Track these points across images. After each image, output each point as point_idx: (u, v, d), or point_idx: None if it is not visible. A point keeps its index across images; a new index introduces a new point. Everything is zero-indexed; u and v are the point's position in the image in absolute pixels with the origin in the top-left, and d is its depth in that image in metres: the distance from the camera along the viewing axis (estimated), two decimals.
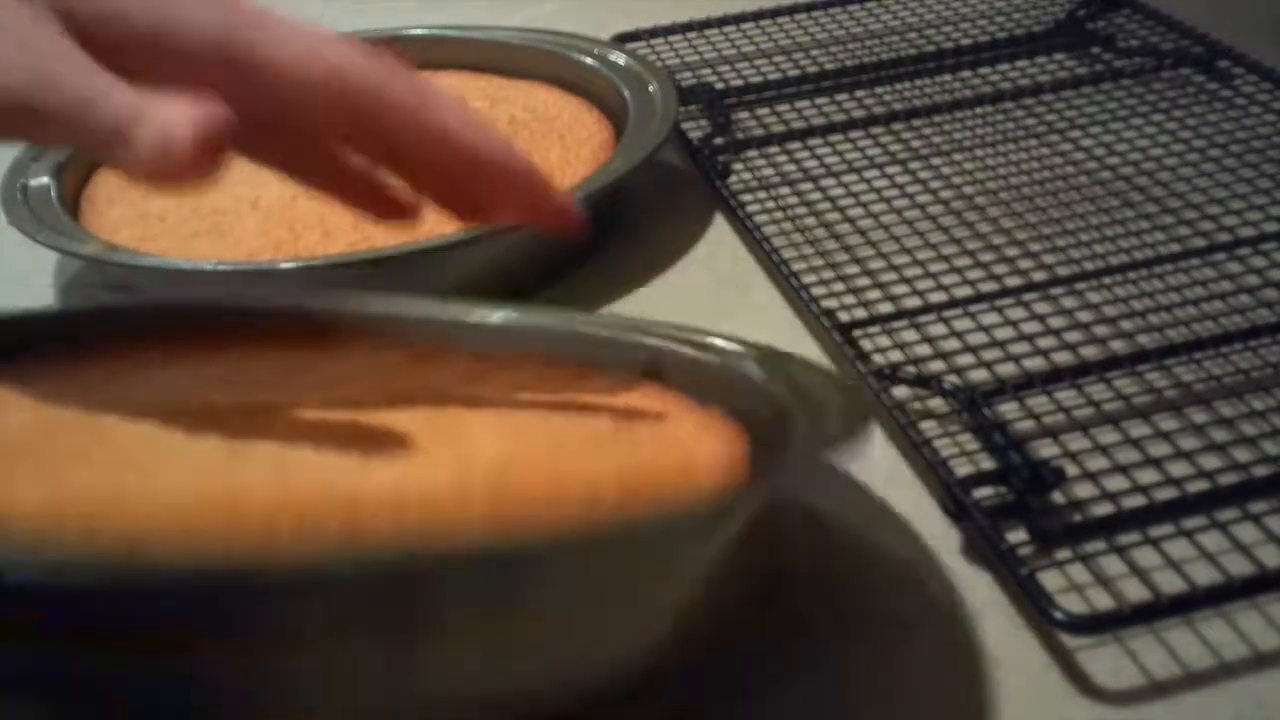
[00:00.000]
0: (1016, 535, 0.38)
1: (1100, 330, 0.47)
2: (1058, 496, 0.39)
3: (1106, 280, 0.50)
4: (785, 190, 0.58)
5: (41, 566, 0.25)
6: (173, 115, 0.30)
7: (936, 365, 0.45)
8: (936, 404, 0.44)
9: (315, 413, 0.34)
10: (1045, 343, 0.46)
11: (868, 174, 0.59)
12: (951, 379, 0.44)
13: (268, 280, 0.52)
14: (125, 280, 0.56)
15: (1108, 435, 0.41)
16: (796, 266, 0.52)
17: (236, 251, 0.53)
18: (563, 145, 0.60)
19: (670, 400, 0.38)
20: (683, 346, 0.40)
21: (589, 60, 0.64)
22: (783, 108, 0.66)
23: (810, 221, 0.56)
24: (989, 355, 0.46)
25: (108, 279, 0.57)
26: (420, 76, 0.36)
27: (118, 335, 0.40)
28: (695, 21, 0.75)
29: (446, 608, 0.27)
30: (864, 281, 0.51)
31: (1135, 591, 0.36)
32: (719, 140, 0.63)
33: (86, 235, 0.53)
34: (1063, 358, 0.45)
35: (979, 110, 0.63)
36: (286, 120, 0.36)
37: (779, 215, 0.57)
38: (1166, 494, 0.39)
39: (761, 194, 0.58)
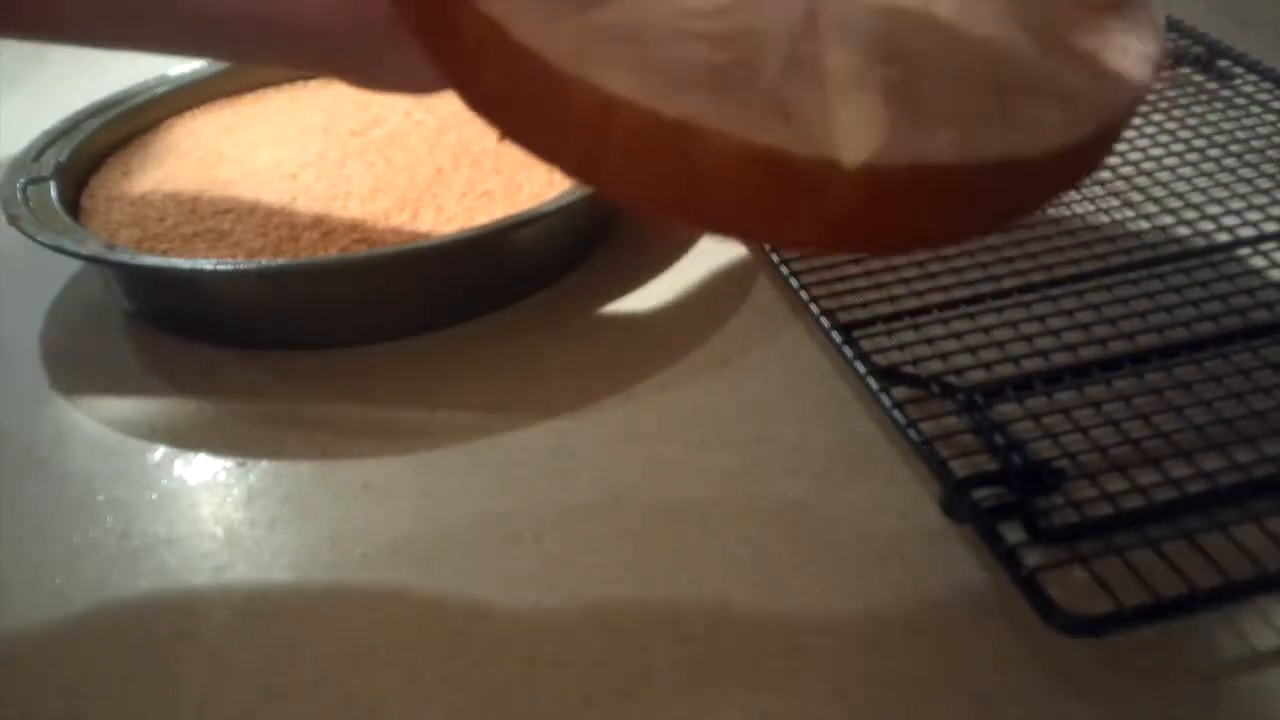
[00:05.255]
0: (1016, 535, 0.38)
1: (1100, 330, 0.47)
2: (1057, 497, 0.39)
3: (1106, 280, 0.50)
4: None
5: None
6: None
7: (936, 365, 0.45)
8: (936, 404, 0.44)
9: None
10: (1045, 343, 0.46)
11: None
12: (951, 379, 0.44)
13: (268, 280, 0.52)
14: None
15: (1108, 435, 0.41)
16: (796, 266, 0.52)
17: (236, 251, 0.53)
18: None
19: None
20: None
21: None
22: None
23: None
24: (989, 355, 0.46)
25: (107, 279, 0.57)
26: None
27: None
28: None
29: None
30: (864, 281, 0.51)
31: (1134, 592, 0.36)
32: None
33: (86, 235, 0.53)
34: (1062, 358, 0.45)
35: None
36: None
37: None
38: (1166, 494, 0.39)
39: None
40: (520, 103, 0.33)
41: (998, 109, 0.32)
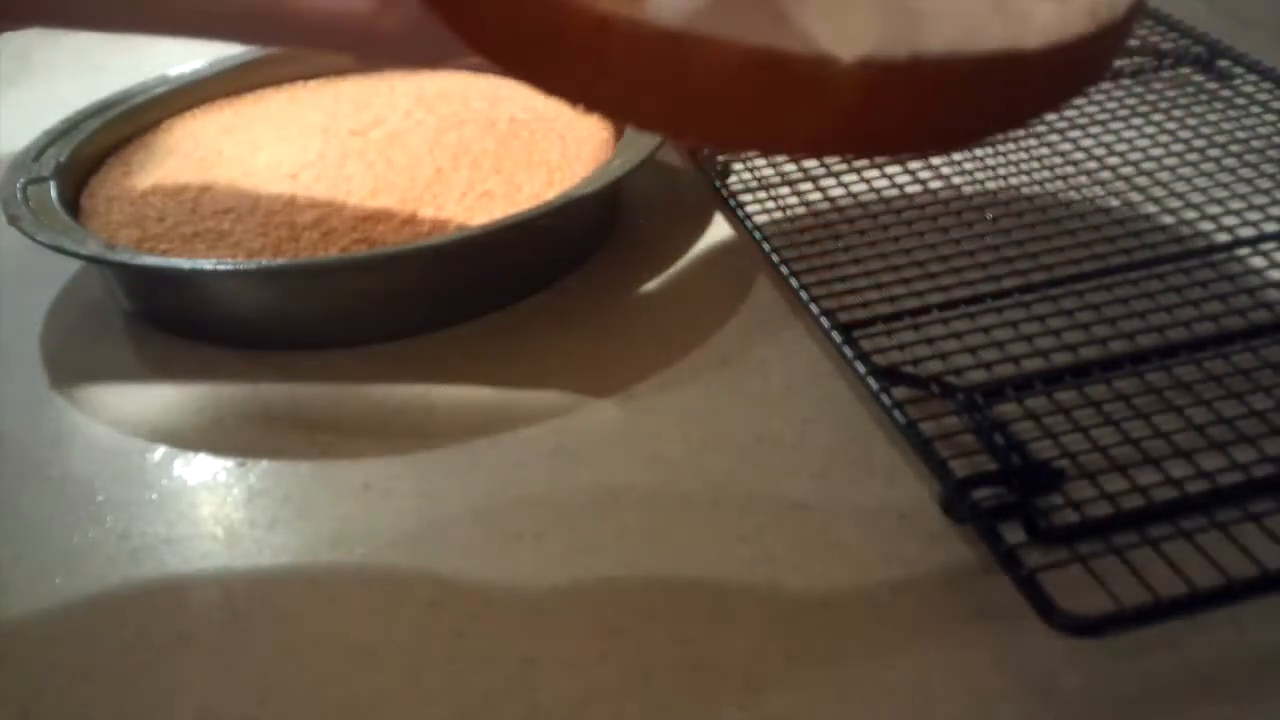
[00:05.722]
0: (1016, 535, 0.38)
1: (1100, 330, 0.47)
2: (1057, 497, 0.39)
3: (1106, 280, 0.50)
4: (785, 190, 0.58)
5: None
6: None
7: (936, 365, 0.45)
8: (936, 404, 0.44)
9: None
10: (1045, 343, 0.46)
11: (867, 174, 0.58)
12: (951, 379, 0.44)
13: (268, 280, 0.52)
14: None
15: (1108, 435, 0.41)
16: (796, 266, 0.52)
17: (236, 251, 0.53)
18: (563, 145, 0.60)
19: None
20: None
21: None
22: None
23: (810, 221, 0.56)
24: (989, 355, 0.46)
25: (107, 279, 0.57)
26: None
27: None
28: None
29: None
30: (864, 281, 0.51)
31: (1135, 592, 0.36)
32: None
33: (86, 235, 0.53)
34: (1062, 358, 0.45)
35: None
36: None
37: (779, 215, 0.57)
38: (1166, 494, 0.39)
39: (761, 194, 0.58)
40: (518, 36, 0.33)
41: (995, 6, 0.32)
